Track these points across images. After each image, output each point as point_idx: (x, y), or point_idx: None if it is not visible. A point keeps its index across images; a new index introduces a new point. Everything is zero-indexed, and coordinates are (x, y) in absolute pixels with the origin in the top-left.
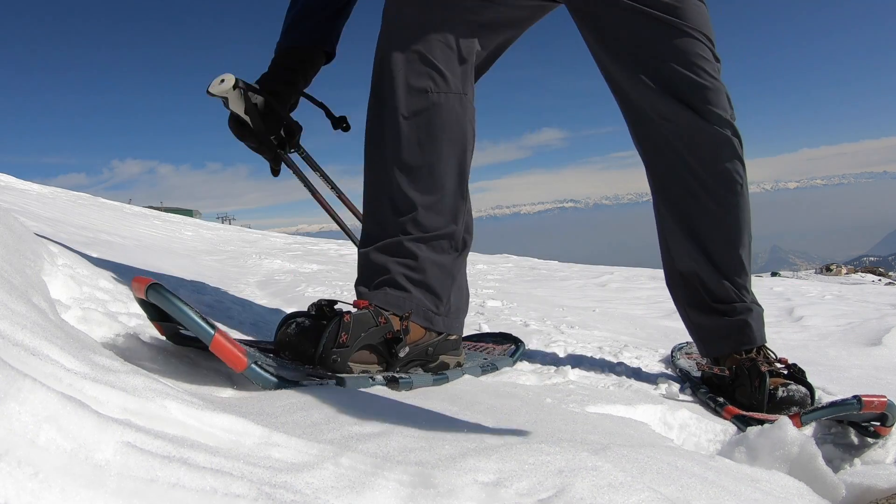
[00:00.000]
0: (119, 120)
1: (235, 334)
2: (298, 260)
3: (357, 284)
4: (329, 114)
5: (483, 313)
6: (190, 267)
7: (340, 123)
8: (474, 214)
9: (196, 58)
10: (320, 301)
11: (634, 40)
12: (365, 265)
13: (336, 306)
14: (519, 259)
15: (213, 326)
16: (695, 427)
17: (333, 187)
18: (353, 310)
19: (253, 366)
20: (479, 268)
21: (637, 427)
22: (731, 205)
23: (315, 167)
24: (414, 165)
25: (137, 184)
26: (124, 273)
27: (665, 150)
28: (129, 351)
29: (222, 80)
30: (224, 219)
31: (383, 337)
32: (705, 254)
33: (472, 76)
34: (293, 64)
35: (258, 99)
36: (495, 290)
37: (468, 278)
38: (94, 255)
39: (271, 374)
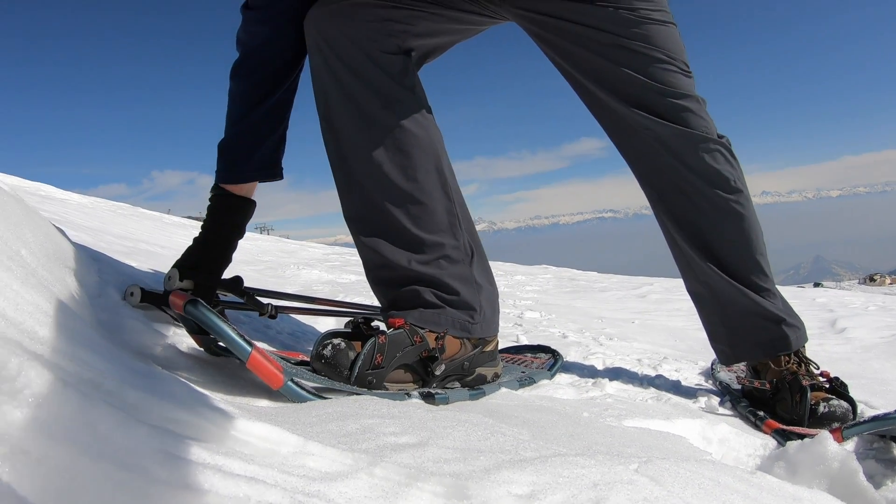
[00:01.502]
0: (159, 131)
1: (274, 346)
2: (337, 270)
3: (385, 310)
4: (255, 304)
5: (521, 325)
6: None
7: (266, 311)
8: (512, 225)
9: None
10: (357, 318)
11: (605, 68)
12: (388, 298)
13: (373, 324)
14: (558, 270)
15: (250, 343)
16: (734, 441)
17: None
18: (389, 329)
19: (289, 383)
20: (518, 279)
21: (676, 441)
22: (728, 205)
23: (261, 294)
24: (398, 188)
25: (177, 194)
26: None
27: (653, 159)
28: (167, 360)
29: (132, 293)
30: (262, 229)
31: (419, 356)
32: (716, 259)
33: (416, 79)
34: (226, 231)
35: (183, 283)
36: (534, 301)
37: (507, 289)
38: (134, 264)
39: (307, 391)
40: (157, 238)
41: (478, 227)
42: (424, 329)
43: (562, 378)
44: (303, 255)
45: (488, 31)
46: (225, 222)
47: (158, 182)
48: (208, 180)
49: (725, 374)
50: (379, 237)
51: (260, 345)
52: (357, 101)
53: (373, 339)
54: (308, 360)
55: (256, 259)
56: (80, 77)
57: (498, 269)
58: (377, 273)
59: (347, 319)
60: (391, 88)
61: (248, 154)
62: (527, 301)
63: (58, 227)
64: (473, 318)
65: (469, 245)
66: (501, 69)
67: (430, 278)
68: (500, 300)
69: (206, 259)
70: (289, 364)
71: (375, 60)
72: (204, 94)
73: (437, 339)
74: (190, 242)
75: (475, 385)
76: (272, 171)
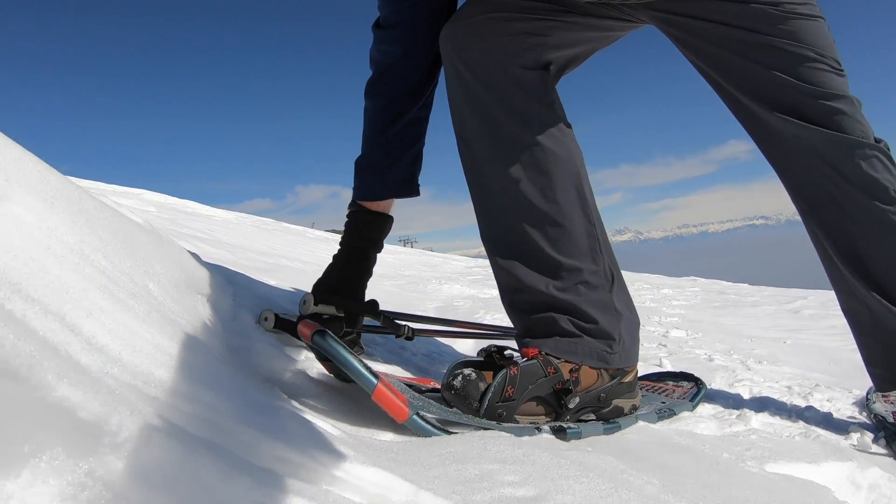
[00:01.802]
0: (303, 146)
1: (406, 371)
2: (478, 285)
3: (521, 338)
4: (391, 326)
5: (666, 345)
6: (368, 293)
7: (402, 333)
8: (659, 235)
9: None
10: (490, 347)
11: (749, 70)
12: (524, 322)
13: (506, 353)
14: (706, 282)
15: (375, 375)
16: (885, 488)
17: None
18: (522, 359)
19: (414, 417)
20: (665, 292)
21: (820, 495)
22: (887, 217)
23: (398, 317)
24: (537, 209)
25: (321, 208)
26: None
27: (804, 167)
28: (295, 387)
29: (265, 318)
30: (406, 241)
31: (552, 388)
32: (874, 279)
33: (555, 94)
34: (364, 246)
35: (318, 307)
36: (680, 318)
37: (653, 304)
38: (273, 282)
39: (433, 425)
40: (300, 253)
41: (623, 237)
42: (560, 359)
43: (704, 409)
44: (445, 268)
45: (629, 34)
46: (362, 238)
47: (302, 196)
48: (351, 194)
49: (882, 406)
50: (516, 260)
51: (392, 368)
52: (494, 120)
53: (504, 371)
54: (439, 387)
55: (398, 273)
56: (225, 94)
57: (644, 281)
58: (513, 297)
59: (481, 347)
60: (529, 106)
61: (384, 172)
62: (673, 318)
63: (192, 254)
64: (612, 348)
65: (610, 270)
66: (644, 73)
67: (568, 305)
68: (645, 316)
69: (345, 279)
70: (416, 395)
71: (513, 77)
72: (346, 107)
73: (571, 371)
74: (331, 258)
75: (611, 418)
76: (408, 189)
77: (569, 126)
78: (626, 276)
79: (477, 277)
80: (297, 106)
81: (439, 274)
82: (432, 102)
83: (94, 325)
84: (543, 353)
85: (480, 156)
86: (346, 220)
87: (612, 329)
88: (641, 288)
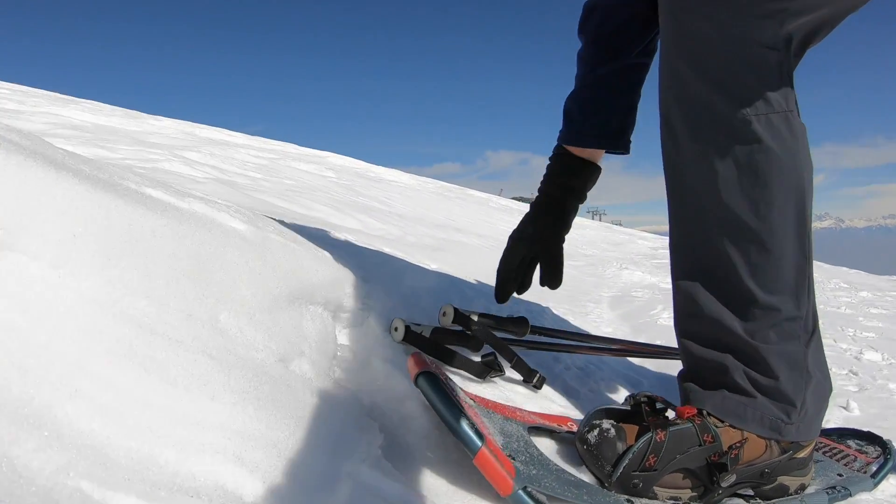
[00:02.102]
0: (494, 112)
1: (553, 388)
2: (661, 271)
3: (684, 380)
4: (523, 369)
5: (857, 373)
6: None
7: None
8: (862, 224)
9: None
10: (639, 396)
11: None
12: (693, 359)
13: (658, 405)
14: None
15: (481, 436)
16: None
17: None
18: (674, 420)
19: (520, 492)
20: (863, 295)
21: None
22: None
23: (547, 333)
24: (742, 224)
25: (510, 174)
26: (449, 299)
27: None
28: (405, 417)
29: (395, 329)
30: (594, 214)
31: (706, 460)
32: None
33: (791, 83)
34: (559, 193)
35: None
36: (877, 333)
37: (849, 310)
38: (434, 265)
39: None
40: (478, 225)
41: (823, 224)
42: (723, 423)
43: (887, 486)
44: (629, 248)
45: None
46: (562, 186)
47: (492, 162)
48: (541, 161)
49: None
50: (700, 281)
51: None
52: (707, 105)
53: (648, 436)
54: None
55: (578, 252)
56: (427, 55)
57: (842, 278)
58: (686, 324)
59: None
60: (758, 94)
61: (587, 116)
62: (868, 333)
63: (326, 250)
64: (789, 417)
65: (812, 319)
66: (853, 44)
67: (750, 351)
68: (838, 327)
69: (541, 229)
70: (532, 457)
71: (744, 54)
72: (542, 72)
73: (731, 447)
74: (511, 232)
75: (772, 497)
76: (615, 142)
77: (803, 129)
78: (824, 269)
79: (661, 262)
80: (492, 68)
81: (621, 255)
82: (654, 50)
83: (78, 407)
84: (704, 413)
85: (683, 146)
86: (548, 163)
87: (796, 392)
88: (838, 287)
